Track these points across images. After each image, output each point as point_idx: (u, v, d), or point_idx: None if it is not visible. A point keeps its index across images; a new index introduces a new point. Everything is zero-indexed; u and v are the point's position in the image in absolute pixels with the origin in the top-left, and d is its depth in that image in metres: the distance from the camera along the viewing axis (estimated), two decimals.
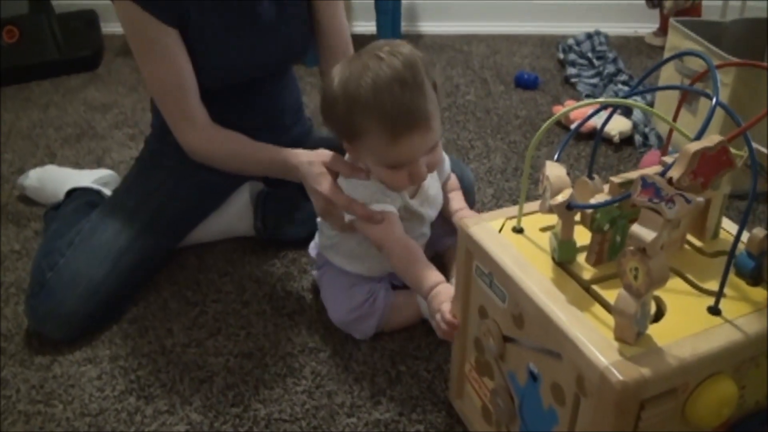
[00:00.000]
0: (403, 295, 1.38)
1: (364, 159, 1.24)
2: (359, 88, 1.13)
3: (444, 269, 1.37)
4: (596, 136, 1.00)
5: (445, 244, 1.45)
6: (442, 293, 1.13)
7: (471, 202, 1.61)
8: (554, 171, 0.85)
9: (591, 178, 0.90)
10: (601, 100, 0.89)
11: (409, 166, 1.18)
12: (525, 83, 2.50)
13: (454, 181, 1.44)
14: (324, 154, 1.29)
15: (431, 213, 1.34)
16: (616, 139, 2.04)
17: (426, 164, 1.20)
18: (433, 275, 1.17)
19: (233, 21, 1.38)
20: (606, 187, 0.91)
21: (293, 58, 1.54)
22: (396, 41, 1.19)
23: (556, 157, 0.92)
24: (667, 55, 2.14)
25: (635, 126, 2.07)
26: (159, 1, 1.29)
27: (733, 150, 0.79)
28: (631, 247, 0.73)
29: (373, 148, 1.17)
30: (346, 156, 1.31)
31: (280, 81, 1.56)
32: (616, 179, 0.89)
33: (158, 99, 1.40)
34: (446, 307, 1.09)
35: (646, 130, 2.06)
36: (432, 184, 1.33)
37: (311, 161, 1.29)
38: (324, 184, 1.26)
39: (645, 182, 0.71)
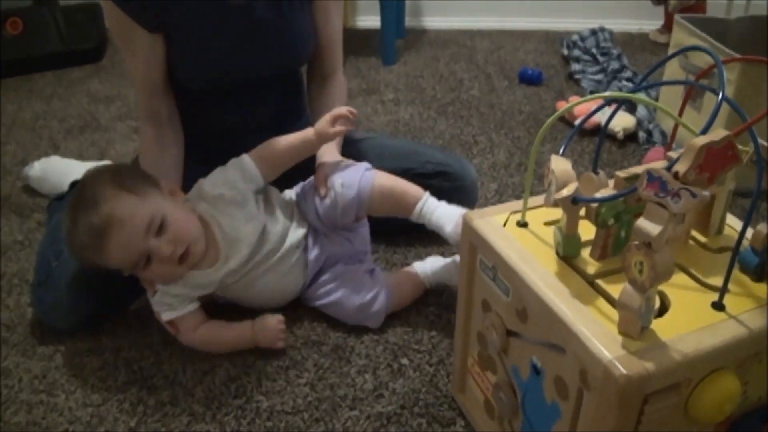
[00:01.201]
0: (401, 272, 1.44)
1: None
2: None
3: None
4: (601, 132, 1.00)
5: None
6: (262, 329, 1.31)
7: (473, 199, 1.62)
8: (560, 165, 0.85)
9: (596, 172, 0.90)
10: (606, 94, 0.89)
11: (151, 255, 1.22)
12: (529, 79, 2.50)
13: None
14: None
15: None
16: (620, 135, 2.04)
17: (168, 241, 1.22)
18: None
19: (221, 27, 1.36)
20: (611, 182, 0.91)
21: (295, 62, 1.51)
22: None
23: (561, 151, 0.91)
24: (670, 51, 2.13)
25: (639, 122, 2.07)
26: (142, 10, 1.30)
27: (738, 146, 0.79)
28: (636, 242, 0.73)
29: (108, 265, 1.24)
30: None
31: (285, 84, 1.54)
32: (621, 174, 0.89)
33: (135, 90, 1.43)
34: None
35: (650, 126, 2.06)
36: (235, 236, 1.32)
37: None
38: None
39: (651, 176, 0.71)
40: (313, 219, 1.38)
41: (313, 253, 1.38)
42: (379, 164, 1.50)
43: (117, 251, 1.20)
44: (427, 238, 1.56)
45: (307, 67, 1.57)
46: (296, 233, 1.37)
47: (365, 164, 1.38)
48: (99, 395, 1.25)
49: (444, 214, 1.33)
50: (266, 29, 1.39)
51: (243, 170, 1.33)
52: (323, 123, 1.34)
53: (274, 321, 1.30)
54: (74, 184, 1.71)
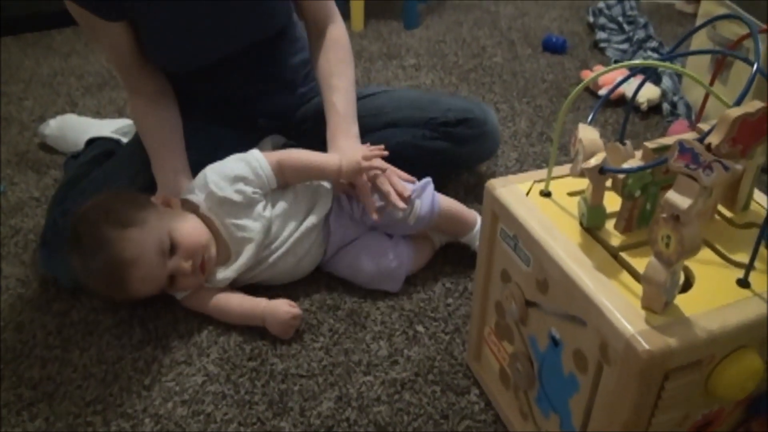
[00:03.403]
0: (414, 236, 1.42)
1: None
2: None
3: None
4: (629, 103, 0.97)
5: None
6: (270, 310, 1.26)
7: (496, 143, 1.60)
8: (587, 134, 0.83)
9: (622, 143, 0.88)
10: (635, 62, 0.87)
11: (174, 274, 1.24)
12: (553, 47, 2.46)
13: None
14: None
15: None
16: (644, 106, 2.01)
17: (185, 256, 1.23)
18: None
19: (183, 11, 1.32)
20: (637, 154, 0.89)
21: (269, 29, 1.46)
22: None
23: (589, 120, 0.89)
24: (698, 21, 2.09)
25: (664, 94, 2.04)
26: (97, 3, 1.26)
27: None
28: (665, 214, 0.71)
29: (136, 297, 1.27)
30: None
31: (272, 47, 1.51)
32: (650, 144, 0.87)
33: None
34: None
35: (675, 98, 2.02)
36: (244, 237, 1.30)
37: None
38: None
39: (683, 147, 0.69)
40: (360, 217, 1.36)
41: (338, 234, 1.37)
42: (399, 115, 1.48)
43: (140, 286, 1.22)
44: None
45: (304, 25, 1.53)
46: (318, 213, 1.34)
47: (430, 182, 1.37)
48: (113, 353, 1.25)
49: None
50: (230, 5, 1.35)
51: (257, 174, 1.28)
52: (354, 165, 1.28)
53: (286, 312, 1.25)
54: (90, 142, 1.71)
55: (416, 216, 1.33)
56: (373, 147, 1.32)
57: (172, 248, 1.22)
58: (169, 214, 1.26)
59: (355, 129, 1.40)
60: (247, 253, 1.28)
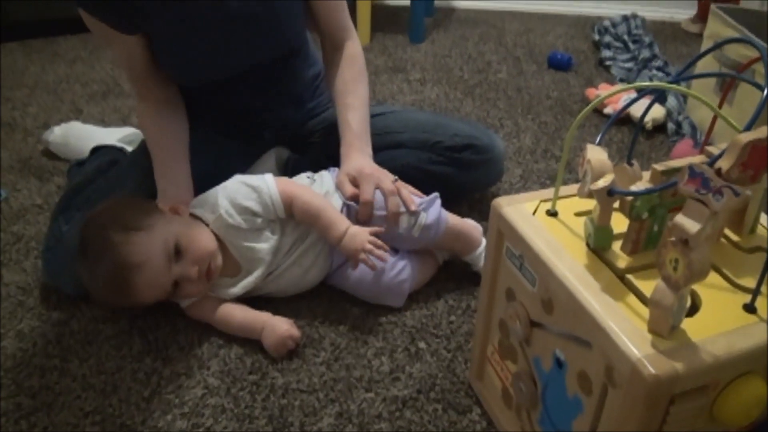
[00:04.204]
0: (418, 251, 1.41)
1: None
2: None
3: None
4: (638, 124, 0.97)
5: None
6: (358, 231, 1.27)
7: (500, 171, 1.60)
8: (596, 155, 0.83)
9: (630, 164, 0.88)
10: (646, 83, 0.86)
11: (179, 280, 1.22)
12: (558, 63, 2.46)
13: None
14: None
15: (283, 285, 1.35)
16: (649, 126, 2.01)
17: (192, 262, 1.22)
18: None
19: (198, 28, 1.32)
20: (645, 175, 0.89)
21: (283, 48, 1.46)
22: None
23: (597, 141, 0.89)
24: (705, 41, 2.09)
25: (669, 114, 2.04)
26: (115, 16, 1.26)
27: None
28: (673, 238, 0.70)
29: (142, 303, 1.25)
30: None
31: (284, 64, 1.50)
32: (658, 167, 0.86)
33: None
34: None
35: (680, 118, 2.02)
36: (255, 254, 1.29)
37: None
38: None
39: (693, 172, 0.68)
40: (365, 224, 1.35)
41: None
42: (406, 137, 1.48)
43: (145, 291, 1.20)
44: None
45: (319, 37, 1.53)
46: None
47: (437, 197, 1.37)
48: (113, 363, 1.25)
49: None
50: (244, 24, 1.34)
51: (266, 208, 1.27)
52: (354, 247, 1.26)
53: (286, 330, 1.25)
54: (95, 150, 1.71)
55: (421, 227, 1.32)
56: (377, 230, 1.30)
57: (179, 254, 1.21)
58: (177, 220, 1.25)
59: (368, 148, 1.41)
60: (257, 273, 1.29)
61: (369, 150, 1.41)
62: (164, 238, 1.20)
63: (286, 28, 1.42)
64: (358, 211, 1.32)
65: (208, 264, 1.23)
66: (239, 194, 1.28)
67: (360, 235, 1.27)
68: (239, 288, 1.30)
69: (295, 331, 1.26)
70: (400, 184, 1.34)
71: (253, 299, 1.32)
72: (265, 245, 1.28)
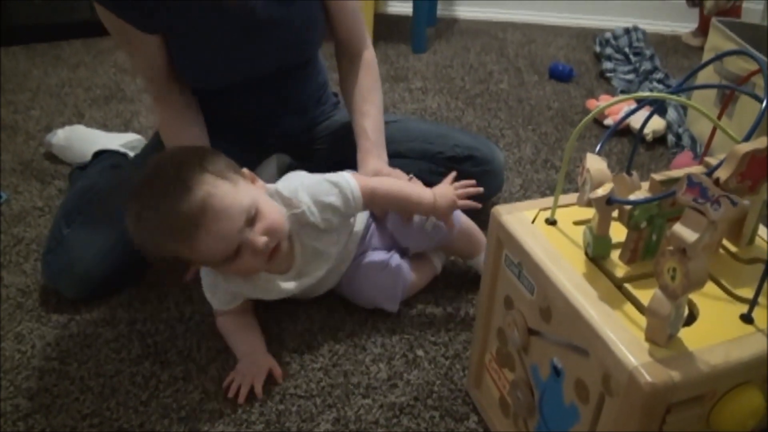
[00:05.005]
0: (415, 257, 1.41)
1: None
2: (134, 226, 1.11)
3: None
4: (637, 134, 0.97)
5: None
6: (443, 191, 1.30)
7: (500, 182, 1.61)
8: (595, 164, 0.83)
9: (629, 174, 0.88)
10: (646, 94, 0.87)
11: (243, 247, 1.12)
12: (559, 75, 2.47)
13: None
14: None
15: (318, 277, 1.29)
16: (649, 137, 2.01)
17: (262, 232, 1.12)
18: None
19: (220, 30, 1.32)
20: (644, 185, 0.89)
21: (302, 55, 1.47)
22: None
23: (597, 150, 0.90)
24: (705, 54, 2.10)
25: (669, 126, 2.04)
26: (136, 14, 1.26)
27: None
28: (671, 247, 0.71)
29: (192, 257, 1.14)
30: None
31: (296, 73, 1.51)
32: (657, 177, 0.87)
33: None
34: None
35: (680, 130, 2.03)
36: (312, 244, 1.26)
37: None
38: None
39: (691, 181, 0.69)
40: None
41: (372, 242, 1.38)
42: (407, 147, 1.49)
43: (210, 243, 1.09)
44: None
45: (334, 46, 1.54)
46: (359, 226, 1.34)
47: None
48: (111, 366, 1.25)
49: None
50: (267, 28, 1.35)
51: (348, 205, 1.23)
52: (449, 203, 1.29)
53: (266, 367, 1.22)
54: (98, 154, 1.71)
55: (433, 222, 1.33)
56: (463, 182, 1.33)
57: (254, 219, 1.13)
58: (257, 188, 1.20)
59: (384, 155, 1.42)
60: (318, 273, 1.26)
61: (385, 156, 1.42)
62: (248, 197, 1.12)
63: (309, 34, 1.43)
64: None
65: (277, 241, 1.16)
66: (321, 189, 1.22)
67: (445, 189, 1.31)
68: (295, 286, 1.25)
69: (277, 372, 1.23)
70: (415, 181, 1.36)
71: (254, 301, 1.33)
72: (333, 249, 1.26)
